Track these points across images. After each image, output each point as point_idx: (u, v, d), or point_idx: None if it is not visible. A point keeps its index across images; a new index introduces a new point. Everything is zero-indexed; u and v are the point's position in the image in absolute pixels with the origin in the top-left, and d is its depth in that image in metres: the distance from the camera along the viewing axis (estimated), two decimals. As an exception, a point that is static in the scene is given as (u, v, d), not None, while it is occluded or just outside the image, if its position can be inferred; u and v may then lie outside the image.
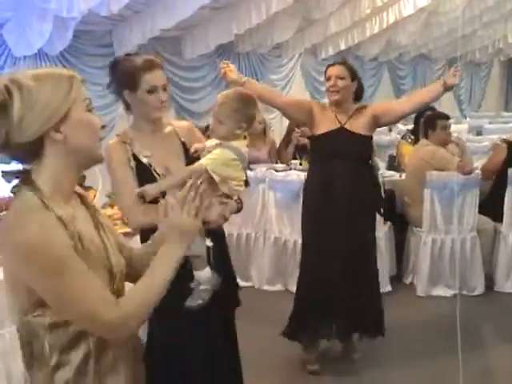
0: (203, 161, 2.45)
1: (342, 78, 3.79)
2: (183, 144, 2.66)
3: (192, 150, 2.55)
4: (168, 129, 2.68)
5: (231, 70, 3.54)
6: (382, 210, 4.35)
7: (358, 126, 3.80)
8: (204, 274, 2.33)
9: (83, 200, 1.62)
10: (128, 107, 2.61)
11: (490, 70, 16.90)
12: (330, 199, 3.78)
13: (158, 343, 2.59)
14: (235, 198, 2.56)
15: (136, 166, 2.52)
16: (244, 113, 2.49)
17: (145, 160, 2.53)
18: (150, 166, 2.53)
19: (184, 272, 2.30)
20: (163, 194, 2.39)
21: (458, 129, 9.51)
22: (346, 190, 3.77)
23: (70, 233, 1.43)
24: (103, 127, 1.56)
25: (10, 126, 1.41)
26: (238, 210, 2.64)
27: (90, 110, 1.52)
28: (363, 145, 3.86)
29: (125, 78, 2.52)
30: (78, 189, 1.62)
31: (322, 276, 3.87)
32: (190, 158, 2.59)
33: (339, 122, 3.80)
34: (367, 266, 3.98)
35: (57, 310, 1.45)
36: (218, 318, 2.67)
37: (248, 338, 4.20)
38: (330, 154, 3.79)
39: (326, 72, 3.92)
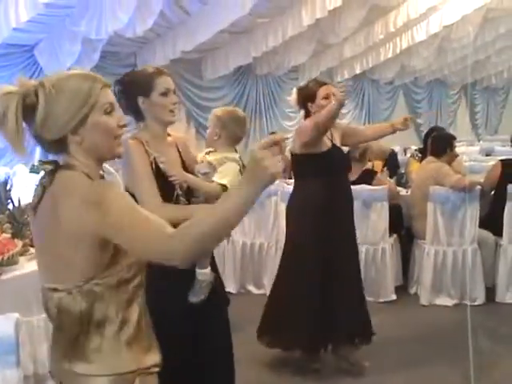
0: (225, 181, 2.74)
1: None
2: (180, 156, 2.81)
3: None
4: (169, 139, 2.80)
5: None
6: None
7: (337, 142, 4.09)
8: (205, 272, 2.67)
9: None
10: (139, 116, 2.69)
11: (506, 96, 17.07)
12: (333, 212, 3.97)
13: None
14: None
15: (155, 171, 2.61)
16: (233, 130, 2.85)
17: (161, 166, 2.63)
18: (165, 171, 2.63)
19: (186, 271, 2.60)
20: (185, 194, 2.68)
21: (469, 150, 9.77)
22: (347, 202, 4.06)
23: None
24: (123, 126, 1.71)
25: (36, 125, 1.61)
26: None
27: (109, 113, 1.67)
28: (348, 159, 4.26)
29: (139, 84, 2.63)
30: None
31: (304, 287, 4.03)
32: (188, 170, 2.79)
33: (329, 140, 4.02)
34: (357, 274, 4.19)
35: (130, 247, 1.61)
36: (215, 315, 2.81)
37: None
38: (332, 170, 3.99)
39: (317, 90, 3.99)
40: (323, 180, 4.01)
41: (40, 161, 1.70)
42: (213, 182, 2.79)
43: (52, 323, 1.73)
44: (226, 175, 2.79)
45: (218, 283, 2.80)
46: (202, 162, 2.86)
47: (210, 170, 2.82)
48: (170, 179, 2.62)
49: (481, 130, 16.04)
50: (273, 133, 7.46)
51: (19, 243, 3.46)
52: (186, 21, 6.84)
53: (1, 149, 6.39)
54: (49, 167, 1.68)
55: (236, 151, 2.96)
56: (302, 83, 10.03)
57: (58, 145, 1.66)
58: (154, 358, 1.76)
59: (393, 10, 8.77)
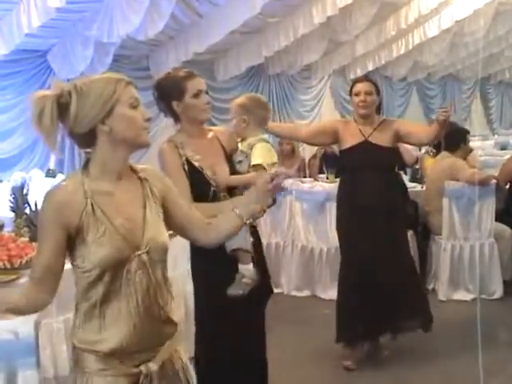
0: (259, 160, 2.90)
1: (369, 94, 4.07)
2: (223, 148, 2.94)
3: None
4: (210, 134, 2.94)
5: None
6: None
7: (381, 138, 4.07)
8: (248, 268, 2.76)
9: (141, 179, 1.94)
10: (176, 118, 2.87)
11: (521, 90, 16.96)
12: (358, 208, 4.06)
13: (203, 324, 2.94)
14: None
15: (189, 170, 2.77)
16: (259, 113, 3.04)
17: (196, 164, 2.78)
18: (202, 169, 2.79)
19: (230, 264, 2.75)
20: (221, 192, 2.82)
21: (484, 144, 9.75)
22: (371, 197, 4.04)
23: (88, 202, 1.79)
24: (148, 120, 1.88)
25: (69, 120, 1.80)
26: (272, 204, 2.99)
27: (134, 107, 1.84)
28: (386, 156, 4.13)
29: (171, 90, 2.79)
30: (142, 172, 1.96)
31: (359, 280, 4.13)
32: (231, 161, 2.93)
33: (363, 136, 4.08)
34: (403, 266, 4.22)
35: None
36: (254, 306, 2.94)
37: (278, 337, 4.53)
38: (356, 166, 4.08)
39: (352, 87, 4.17)
40: (345, 176, 4.24)
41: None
42: (248, 170, 2.95)
43: None
44: (258, 156, 2.94)
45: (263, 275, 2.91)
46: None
47: (243, 157, 2.98)
48: (215, 188, 2.80)
49: (495, 125, 15.92)
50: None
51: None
52: (198, 22, 6.87)
53: (16, 154, 6.48)
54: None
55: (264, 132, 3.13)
56: (315, 81, 10.22)
57: (88, 138, 1.84)
58: (97, 342, 1.83)
59: (404, 6, 8.75)
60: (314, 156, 7.31)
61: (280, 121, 9.13)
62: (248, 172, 2.94)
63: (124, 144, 1.85)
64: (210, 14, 6.73)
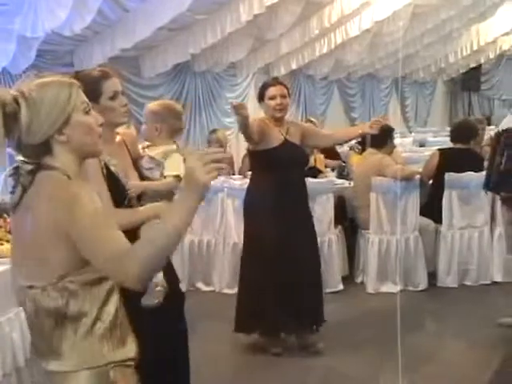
0: (178, 171, 2.84)
1: (284, 97, 4.21)
2: (129, 152, 2.89)
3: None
4: (118, 138, 2.85)
5: (244, 107, 3.78)
6: None
7: (295, 139, 4.27)
8: (158, 276, 2.67)
9: None
10: None
11: (434, 89, 17.58)
12: (284, 203, 4.18)
13: None
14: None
15: (106, 174, 2.64)
16: (173, 123, 3.01)
17: (113, 168, 2.67)
18: (117, 173, 2.69)
19: None
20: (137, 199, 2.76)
21: (404, 142, 10.10)
22: (297, 193, 4.23)
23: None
24: (101, 125, 1.82)
25: (20, 131, 1.66)
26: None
27: (87, 112, 1.76)
28: (304, 154, 4.40)
29: (86, 90, 2.64)
30: None
31: (268, 276, 4.25)
32: (136, 165, 2.89)
33: (283, 135, 4.22)
34: (315, 263, 4.44)
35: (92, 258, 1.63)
36: (171, 313, 2.90)
37: (210, 335, 4.58)
38: (285, 164, 4.17)
39: (265, 90, 4.21)
40: (271, 174, 4.20)
41: (22, 160, 1.72)
42: (164, 177, 2.90)
43: (28, 322, 1.75)
44: (177, 167, 2.88)
45: (172, 281, 2.84)
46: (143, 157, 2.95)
47: (153, 165, 2.93)
48: (128, 192, 2.69)
49: (411, 123, 16.45)
50: (214, 130, 7.49)
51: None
52: (125, 18, 6.75)
53: None
54: (29, 167, 1.69)
55: (175, 143, 3.07)
56: (240, 79, 10.24)
57: (41, 148, 1.71)
58: (127, 352, 1.78)
59: (327, 6, 8.89)
60: (247, 154, 7.35)
61: (206, 119, 9.13)
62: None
63: (81, 152, 1.76)
64: (138, 9, 6.63)
